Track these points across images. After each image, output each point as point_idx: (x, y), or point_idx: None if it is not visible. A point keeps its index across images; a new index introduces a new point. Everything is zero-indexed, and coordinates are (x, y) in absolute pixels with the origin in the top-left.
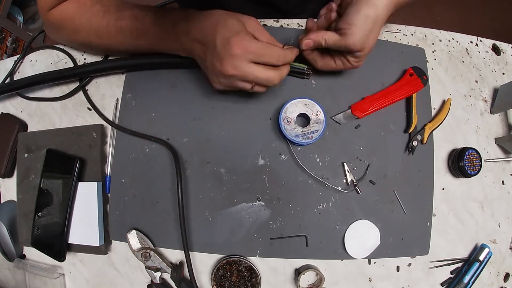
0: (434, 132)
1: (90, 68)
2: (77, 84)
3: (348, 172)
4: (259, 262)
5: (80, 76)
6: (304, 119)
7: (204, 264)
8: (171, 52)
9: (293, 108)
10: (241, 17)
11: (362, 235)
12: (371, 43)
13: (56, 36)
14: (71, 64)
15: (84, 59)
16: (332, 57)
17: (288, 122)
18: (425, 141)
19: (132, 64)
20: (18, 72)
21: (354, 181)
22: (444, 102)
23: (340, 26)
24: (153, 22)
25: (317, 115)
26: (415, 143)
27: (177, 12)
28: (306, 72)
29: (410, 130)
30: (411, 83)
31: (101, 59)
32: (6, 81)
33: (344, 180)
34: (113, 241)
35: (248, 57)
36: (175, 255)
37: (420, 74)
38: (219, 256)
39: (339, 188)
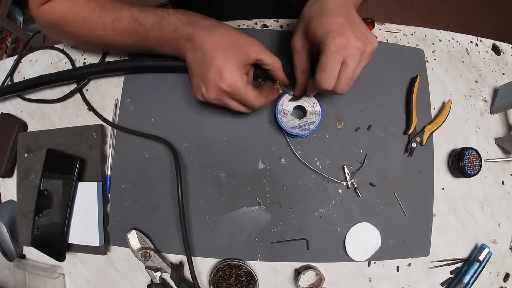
0: (434, 132)
1: (87, 71)
2: (75, 85)
3: (348, 174)
4: (259, 262)
5: (77, 79)
6: (300, 111)
7: (204, 265)
8: (168, 54)
9: (289, 101)
10: (245, 44)
11: (363, 238)
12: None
13: (51, 35)
14: (70, 65)
15: (84, 59)
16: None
17: (284, 114)
18: (424, 143)
19: (129, 67)
20: (18, 72)
21: (354, 183)
22: (444, 104)
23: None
24: (154, 26)
25: (313, 106)
26: (414, 145)
27: (178, 15)
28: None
29: (409, 132)
30: None
31: (98, 61)
32: (6, 81)
33: (344, 183)
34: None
35: (232, 95)
36: (175, 255)
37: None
38: (221, 259)
39: (340, 191)
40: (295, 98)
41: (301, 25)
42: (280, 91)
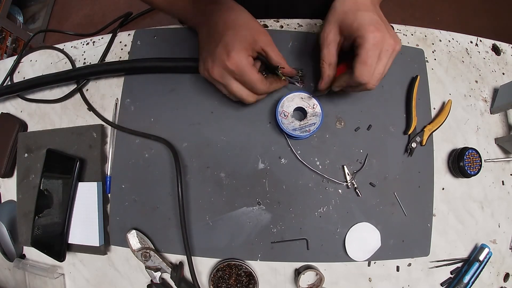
0: (434, 132)
1: (87, 71)
2: (75, 85)
3: (348, 174)
4: (259, 262)
5: (77, 79)
6: (301, 113)
7: (204, 265)
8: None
9: (289, 103)
10: (256, 31)
11: (363, 238)
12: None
13: None
14: (70, 65)
15: (84, 59)
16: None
17: (285, 116)
18: (424, 143)
19: (129, 68)
20: (18, 72)
21: (355, 183)
22: (444, 104)
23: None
24: None
25: (313, 108)
26: (414, 145)
27: None
28: (299, 78)
29: (410, 132)
30: None
31: (98, 62)
32: (6, 82)
33: (344, 183)
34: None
35: (235, 75)
36: (175, 255)
37: None
38: (221, 259)
39: (340, 191)
40: (318, 92)
41: (333, 18)
42: (283, 78)
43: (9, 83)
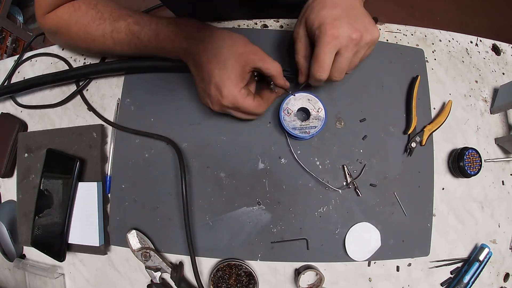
0: (434, 132)
1: (86, 71)
2: (75, 87)
3: (348, 174)
4: (259, 262)
5: (75, 79)
6: (304, 114)
7: (204, 264)
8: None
9: (295, 101)
10: (242, 55)
11: (363, 238)
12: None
13: (54, 40)
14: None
15: (84, 59)
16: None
17: (288, 113)
18: (424, 143)
19: (129, 67)
20: (18, 72)
21: (355, 183)
22: (444, 104)
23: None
24: (150, 40)
25: (318, 111)
26: (413, 144)
27: (173, 29)
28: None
29: (409, 132)
30: None
31: (98, 61)
32: (6, 82)
33: (345, 183)
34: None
35: (233, 108)
36: (175, 255)
37: None
38: (221, 259)
39: (340, 191)
40: (304, 87)
41: (303, 15)
42: (276, 91)
43: (9, 83)
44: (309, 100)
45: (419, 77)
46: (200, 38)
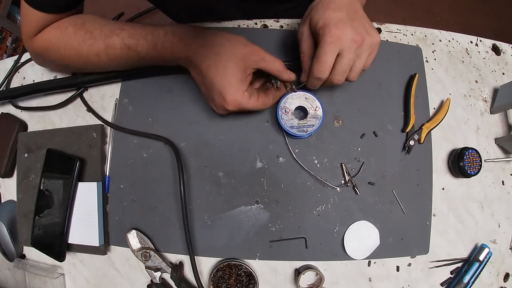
0: (434, 132)
1: (85, 79)
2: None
3: (347, 173)
4: (259, 262)
5: (75, 87)
6: (302, 112)
7: (204, 264)
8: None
9: (293, 100)
10: (243, 57)
11: (362, 236)
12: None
13: (43, 63)
14: None
15: None
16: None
17: (285, 112)
18: (422, 141)
19: (128, 74)
20: (18, 72)
21: (353, 182)
22: (443, 102)
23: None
24: (149, 51)
25: (315, 110)
26: (411, 142)
27: (170, 38)
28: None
29: (407, 130)
30: None
31: None
32: (3, 85)
33: (343, 181)
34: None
35: (238, 110)
36: (175, 255)
37: None
38: (220, 258)
39: (338, 189)
40: (299, 85)
41: (307, 16)
42: (278, 86)
43: (8, 84)
44: (306, 98)
45: (417, 75)
46: (198, 44)
